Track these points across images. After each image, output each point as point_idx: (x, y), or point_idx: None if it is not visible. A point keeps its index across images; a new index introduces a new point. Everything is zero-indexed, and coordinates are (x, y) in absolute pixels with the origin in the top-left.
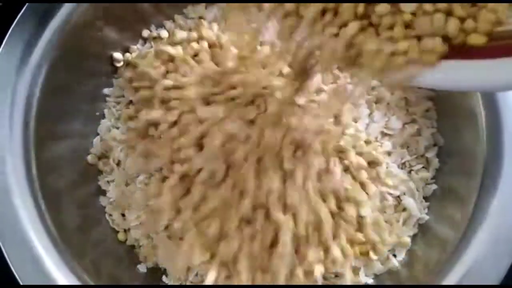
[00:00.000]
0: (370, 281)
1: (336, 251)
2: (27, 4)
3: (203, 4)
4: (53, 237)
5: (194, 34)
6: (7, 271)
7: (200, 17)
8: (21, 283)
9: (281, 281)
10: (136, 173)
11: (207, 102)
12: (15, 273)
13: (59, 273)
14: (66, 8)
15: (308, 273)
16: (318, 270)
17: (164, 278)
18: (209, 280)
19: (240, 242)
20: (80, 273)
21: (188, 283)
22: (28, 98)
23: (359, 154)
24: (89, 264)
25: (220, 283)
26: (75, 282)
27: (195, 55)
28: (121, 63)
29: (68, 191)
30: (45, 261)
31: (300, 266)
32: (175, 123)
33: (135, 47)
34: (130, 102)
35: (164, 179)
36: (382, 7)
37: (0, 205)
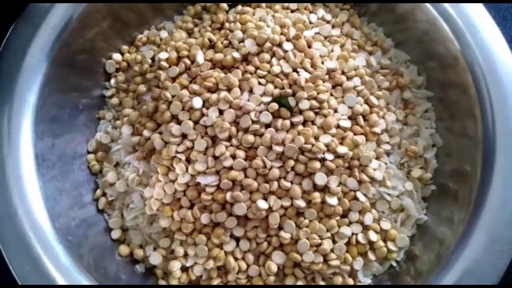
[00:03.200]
0: (368, 281)
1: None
2: (29, 4)
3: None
4: (52, 237)
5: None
6: (6, 271)
7: (200, 18)
8: (20, 283)
9: None
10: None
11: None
12: (14, 273)
13: (57, 273)
14: (68, 7)
15: None
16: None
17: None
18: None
19: None
20: (79, 272)
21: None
22: (26, 97)
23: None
24: (88, 263)
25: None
26: (74, 281)
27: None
28: (120, 64)
29: (67, 191)
30: (44, 260)
31: None
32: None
33: (134, 48)
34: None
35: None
36: None
37: None
